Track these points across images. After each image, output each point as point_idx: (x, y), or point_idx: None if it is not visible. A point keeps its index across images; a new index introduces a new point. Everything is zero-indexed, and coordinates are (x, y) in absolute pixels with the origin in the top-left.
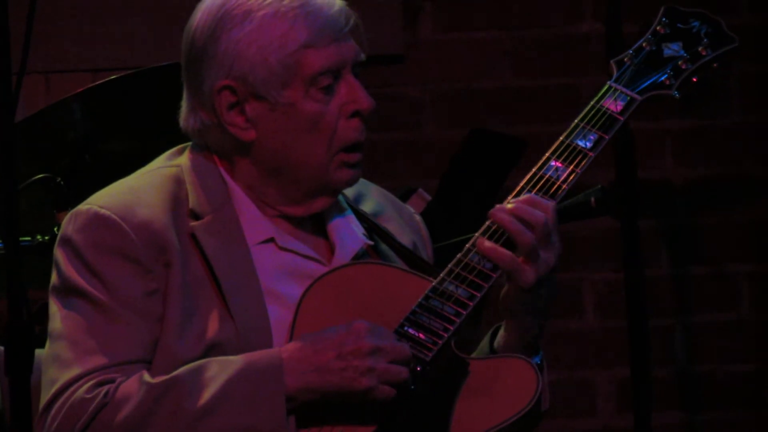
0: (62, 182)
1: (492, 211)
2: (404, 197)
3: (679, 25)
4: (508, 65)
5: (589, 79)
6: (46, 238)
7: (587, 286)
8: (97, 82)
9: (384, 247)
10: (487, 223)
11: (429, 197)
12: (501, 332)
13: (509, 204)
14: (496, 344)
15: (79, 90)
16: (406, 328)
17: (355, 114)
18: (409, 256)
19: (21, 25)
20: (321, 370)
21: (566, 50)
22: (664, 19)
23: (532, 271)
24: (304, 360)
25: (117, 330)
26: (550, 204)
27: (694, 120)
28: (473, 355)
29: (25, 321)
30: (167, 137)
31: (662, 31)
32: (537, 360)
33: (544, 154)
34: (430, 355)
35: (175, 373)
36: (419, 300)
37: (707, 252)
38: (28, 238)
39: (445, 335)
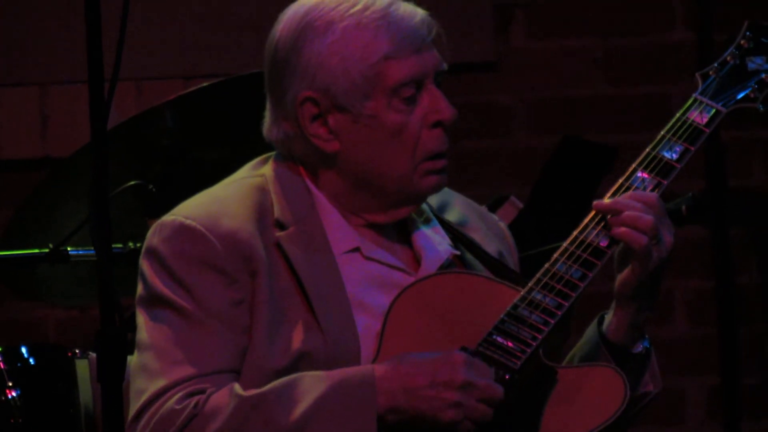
0: (154, 189)
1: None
2: (496, 205)
3: (762, 39)
4: (599, 73)
5: (680, 88)
6: (138, 245)
7: (678, 293)
8: (188, 89)
9: (470, 256)
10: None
11: (521, 205)
12: (610, 317)
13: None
14: (604, 329)
15: (170, 97)
16: (494, 337)
17: (438, 124)
18: (495, 266)
19: (113, 32)
20: (410, 394)
21: (658, 58)
22: (747, 33)
23: (657, 250)
24: (396, 380)
25: (204, 340)
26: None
27: None
28: (573, 351)
29: (117, 328)
30: (259, 145)
31: (746, 45)
32: (646, 344)
33: (631, 164)
34: (519, 363)
35: (266, 387)
36: (507, 309)
37: None
38: (120, 245)
39: (534, 344)
